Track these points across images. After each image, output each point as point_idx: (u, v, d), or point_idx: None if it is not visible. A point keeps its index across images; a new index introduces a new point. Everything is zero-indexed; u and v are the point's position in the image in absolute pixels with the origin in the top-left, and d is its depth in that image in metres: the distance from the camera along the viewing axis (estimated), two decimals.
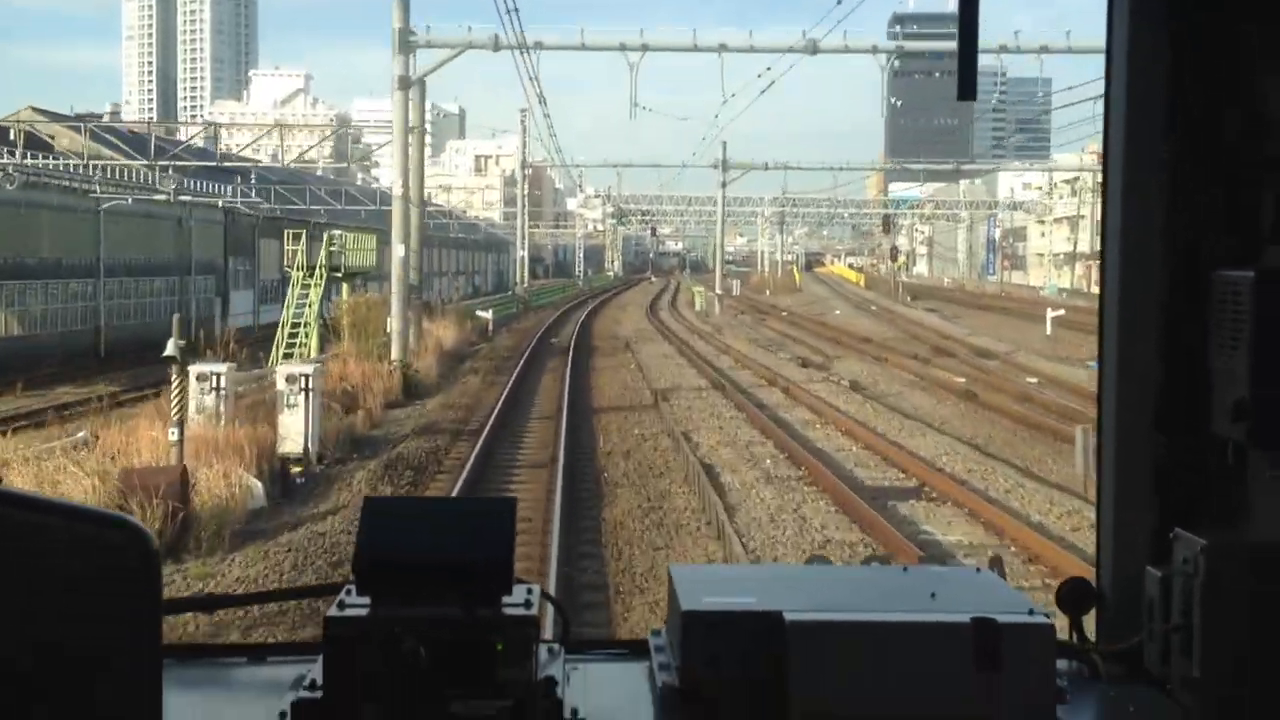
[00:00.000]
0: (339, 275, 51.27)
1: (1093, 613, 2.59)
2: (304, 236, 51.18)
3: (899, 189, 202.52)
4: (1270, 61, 2.31)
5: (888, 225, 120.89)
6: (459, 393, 40.57)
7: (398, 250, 44.26)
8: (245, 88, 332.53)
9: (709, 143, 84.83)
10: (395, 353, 42.88)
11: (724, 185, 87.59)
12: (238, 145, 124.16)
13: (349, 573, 2.39)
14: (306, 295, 48.53)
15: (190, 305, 71.60)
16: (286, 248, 53.50)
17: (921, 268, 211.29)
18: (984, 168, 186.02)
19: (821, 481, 24.39)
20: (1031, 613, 2.31)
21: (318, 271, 49.22)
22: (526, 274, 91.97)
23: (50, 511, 1.92)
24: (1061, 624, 2.46)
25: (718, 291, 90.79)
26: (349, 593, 2.36)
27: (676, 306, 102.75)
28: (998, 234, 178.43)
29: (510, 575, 2.35)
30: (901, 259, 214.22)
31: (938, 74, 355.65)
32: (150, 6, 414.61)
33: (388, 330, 44.15)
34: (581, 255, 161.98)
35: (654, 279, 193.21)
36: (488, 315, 68.22)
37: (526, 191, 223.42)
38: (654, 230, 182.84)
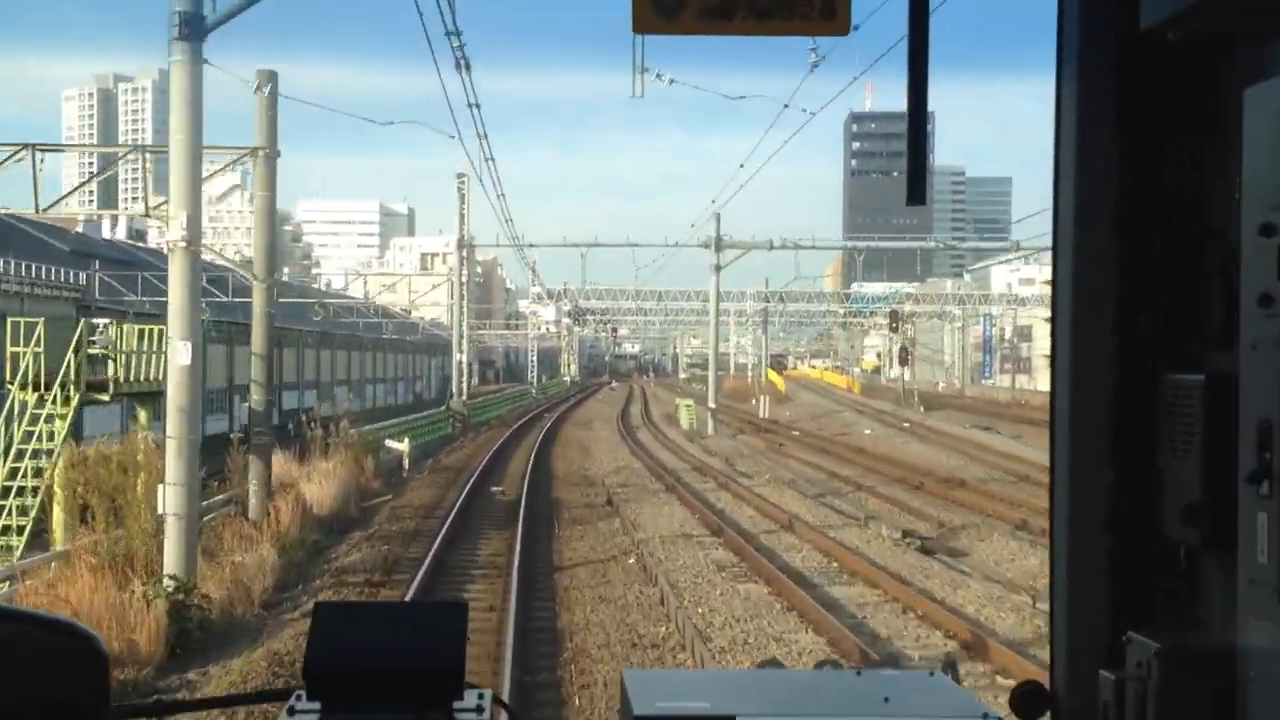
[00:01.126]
0: (111, 395, 29.84)
1: (1046, 716, 2.46)
2: (39, 327, 29.35)
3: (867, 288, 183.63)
4: (1216, 168, 2.25)
5: (895, 322, 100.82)
6: (289, 645, 18.98)
7: (178, 352, 22.56)
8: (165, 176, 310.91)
9: (699, 224, 67.27)
10: (170, 561, 21.12)
11: (718, 268, 66.70)
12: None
13: (299, 678, 2.31)
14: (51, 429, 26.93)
15: None
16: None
17: (897, 370, 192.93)
18: (1004, 246, 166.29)
19: None
20: (985, 717, 2.37)
21: (61, 388, 27.60)
22: (468, 381, 70.32)
23: None
24: None
25: (712, 405, 69.01)
26: (299, 698, 2.31)
27: (653, 421, 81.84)
28: (994, 333, 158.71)
29: (462, 680, 2.32)
30: (875, 361, 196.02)
31: (895, 173, 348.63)
32: (91, 107, 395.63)
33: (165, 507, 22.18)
34: (534, 359, 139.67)
35: (614, 385, 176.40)
36: (402, 446, 46.41)
37: (470, 284, 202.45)
38: (614, 331, 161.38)
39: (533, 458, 49.69)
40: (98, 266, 68.04)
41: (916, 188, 2.68)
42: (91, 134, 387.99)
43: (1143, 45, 2.28)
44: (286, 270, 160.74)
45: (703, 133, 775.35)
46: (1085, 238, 2.35)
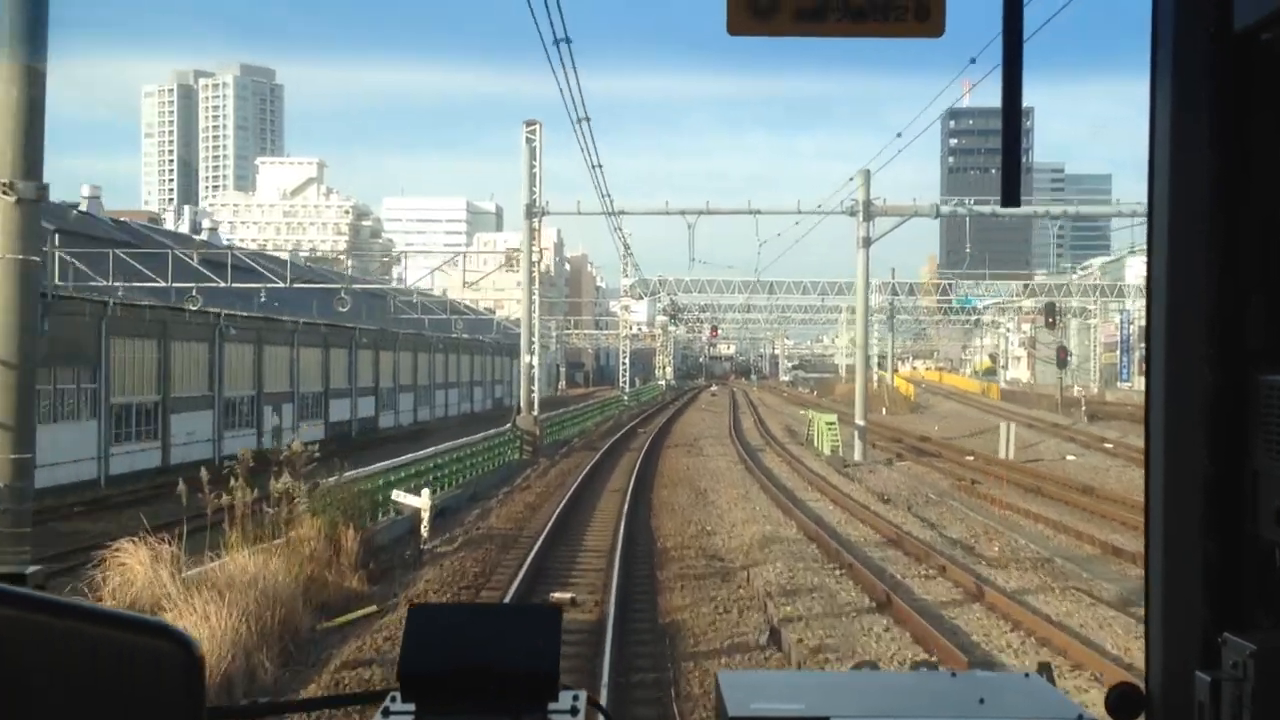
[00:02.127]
0: None
1: (1141, 717, 2.46)
2: None
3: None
4: None
5: (1052, 316, 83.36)
6: None
7: None
8: (253, 176, 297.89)
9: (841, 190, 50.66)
10: None
11: (868, 241, 49.59)
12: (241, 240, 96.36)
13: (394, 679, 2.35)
14: None
15: None
16: None
17: (1017, 372, 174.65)
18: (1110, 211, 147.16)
19: None
20: (1080, 718, 2.40)
21: None
22: (550, 385, 53.17)
23: (93, 619, 1.89)
24: None
25: (860, 421, 51.35)
26: (394, 700, 2.37)
27: (775, 439, 64.42)
28: (1133, 331, 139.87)
29: (556, 682, 2.35)
30: (987, 362, 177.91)
31: (993, 170, 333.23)
32: (171, 103, 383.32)
33: None
34: (627, 361, 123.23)
35: (715, 389, 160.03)
36: (419, 501, 29.30)
37: (552, 272, 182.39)
38: (715, 329, 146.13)
39: (625, 511, 32.59)
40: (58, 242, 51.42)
41: (1011, 190, 2.68)
42: (171, 130, 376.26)
43: (1236, 46, 2.25)
44: (349, 266, 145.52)
45: (789, 133, 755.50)
46: (1180, 238, 2.34)
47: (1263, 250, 2.27)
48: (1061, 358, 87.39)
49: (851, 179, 51.58)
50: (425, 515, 28.34)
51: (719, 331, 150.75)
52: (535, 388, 53.41)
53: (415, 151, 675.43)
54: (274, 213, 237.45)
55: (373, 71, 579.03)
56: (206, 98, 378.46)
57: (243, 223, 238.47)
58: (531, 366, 53.13)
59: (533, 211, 51.62)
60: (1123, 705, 2.40)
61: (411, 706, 2.32)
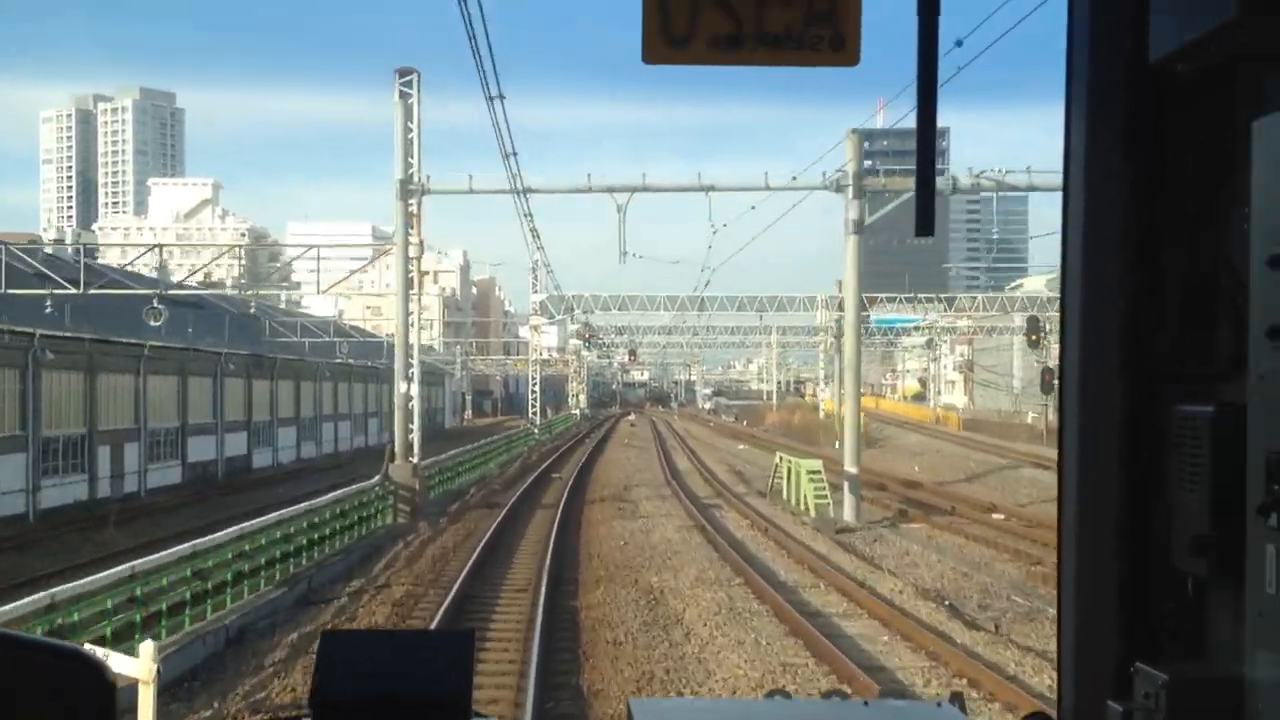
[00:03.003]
0: None
1: None
2: None
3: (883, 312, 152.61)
4: (1225, 199, 2.23)
5: (1037, 333, 70.67)
6: None
7: None
8: (145, 197, 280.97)
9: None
10: None
11: (860, 224, 36.30)
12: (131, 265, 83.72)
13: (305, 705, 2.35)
14: None
15: None
16: None
17: (950, 397, 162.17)
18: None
19: None
20: None
21: None
22: (418, 428, 38.38)
23: (9, 645, 1.88)
24: None
25: (851, 468, 37.55)
26: None
27: (725, 487, 50.68)
28: None
29: (468, 708, 2.32)
30: (915, 387, 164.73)
31: (908, 194, 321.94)
32: (70, 128, 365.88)
33: None
34: (537, 390, 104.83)
35: (633, 419, 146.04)
36: (132, 665, 14.96)
37: (467, 306, 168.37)
38: (633, 352, 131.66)
39: (534, 649, 18.68)
40: None
41: (925, 219, 2.65)
42: (70, 156, 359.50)
43: (1152, 77, 2.26)
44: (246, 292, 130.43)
45: (699, 162, 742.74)
46: (1094, 267, 2.32)
47: (1178, 279, 2.24)
48: (1048, 380, 74.08)
49: (835, 147, 38.47)
50: (147, 695, 14.19)
51: (636, 356, 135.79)
52: (416, 426, 39.14)
53: (323, 179, 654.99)
54: (167, 236, 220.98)
55: (278, 98, 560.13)
56: (106, 122, 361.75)
57: (133, 246, 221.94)
58: (410, 398, 38.95)
59: (409, 189, 37.46)
60: None
61: None
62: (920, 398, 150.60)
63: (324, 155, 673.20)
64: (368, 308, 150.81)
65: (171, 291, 58.51)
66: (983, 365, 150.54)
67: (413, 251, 38.33)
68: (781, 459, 45.50)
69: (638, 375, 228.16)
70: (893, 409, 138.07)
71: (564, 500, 41.09)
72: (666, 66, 2.70)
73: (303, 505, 29.90)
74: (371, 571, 27.79)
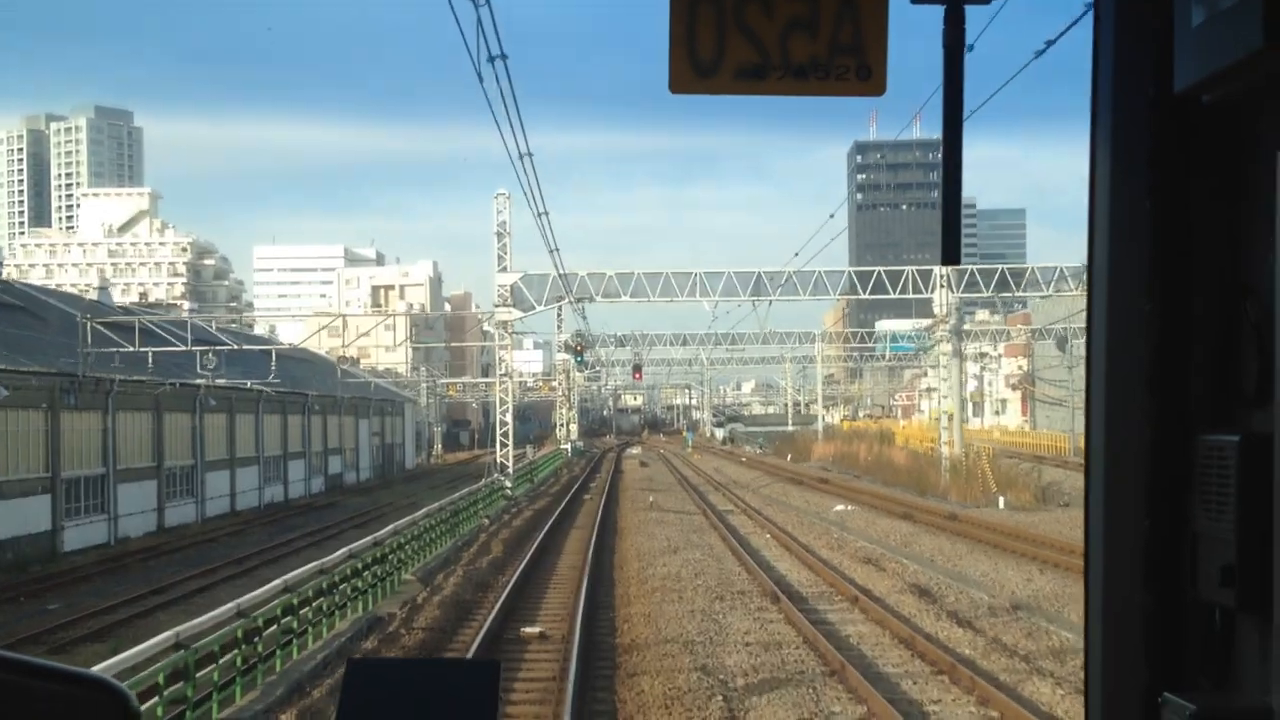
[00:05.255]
0: None
1: None
2: None
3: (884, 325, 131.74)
4: (1250, 229, 2.23)
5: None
6: None
7: None
8: (75, 209, 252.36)
9: None
10: None
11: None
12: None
13: None
14: None
15: None
16: None
17: (1004, 418, 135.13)
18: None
19: None
20: None
21: None
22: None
23: (35, 674, 1.87)
24: None
25: None
26: None
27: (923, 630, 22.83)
28: None
29: None
30: (943, 407, 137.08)
31: (904, 206, 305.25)
32: (21, 150, 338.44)
33: None
34: (509, 417, 65.07)
35: (638, 452, 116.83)
36: None
37: (439, 326, 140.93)
38: (638, 369, 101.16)
39: None
40: None
41: (951, 246, 2.70)
42: (22, 176, 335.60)
43: (1176, 108, 2.26)
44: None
45: (679, 185, 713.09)
46: (1120, 297, 2.33)
47: (1203, 308, 2.23)
48: None
49: None
50: None
51: (641, 373, 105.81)
52: None
53: (296, 209, 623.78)
54: (99, 251, 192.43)
55: (250, 125, 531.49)
56: (59, 142, 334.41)
57: (59, 265, 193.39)
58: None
59: None
60: None
61: None
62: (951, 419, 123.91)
63: (294, 185, 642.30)
64: (322, 329, 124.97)
65: None
66: (1045, 379, 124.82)
67: None
68: None
69: (630, 400, 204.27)
70: (990, 436, 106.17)
71: None
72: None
73: None
74: None
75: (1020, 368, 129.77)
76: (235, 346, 63.02)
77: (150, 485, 53.37)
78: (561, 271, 54.75)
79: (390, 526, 34.68)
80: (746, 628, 24.98)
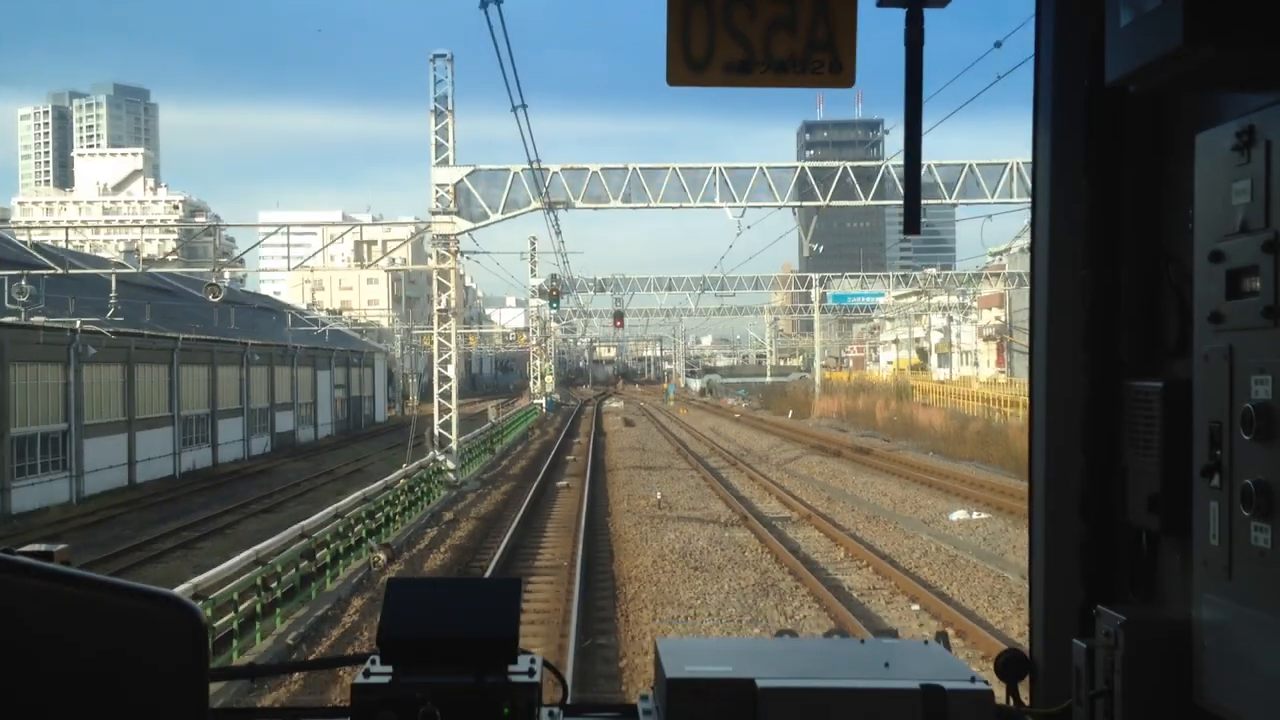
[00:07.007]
0: None
1: (1027, 680, 2.66)
2: None
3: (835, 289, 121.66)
4: (1172, 202, 2.44)
5: None
6: None
7: None
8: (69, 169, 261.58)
9: None
10: None
11: None
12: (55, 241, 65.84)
13: (374, 645, 2.50)
14: None
15: None
16: None
17: (976, 369, 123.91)
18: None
19: None
20: (973, 680, 2.43)
21: None
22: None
23: (111, 591, 1.99)
24: (1000, 690, 2.52)
25: None
26: (373, 663, 2.49)
27: None
28: None
29: (515, 647, 2.46)
30: (908, 359, 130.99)
31: (849, 182, 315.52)
32: (46, 124, 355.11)
33: None
34: (450, 369, 46.08)
35: (619, 404, 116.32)
36: None
37: (421, 280, 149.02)
38: (620, 318, 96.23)
39: None
40: None
41: (913, 219, 2.88)
42: (48, 147, 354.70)
43: (1108, 98, 2.48)
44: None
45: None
46: (1059, 263, 2.56)
47: (1132, 272, 2.46)
48: None
49: None
50: None
51: (623, 321, 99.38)
52: None
53: (304, 184, 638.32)
54: (93, 210, 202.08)
55: (260, 111, 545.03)
56: (80, 117, 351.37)
57: (55, 222, 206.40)
58: None
59: None
60: (1010, 668, 2.61)
61: (389, 668, 2.43)
62: (918, 368, 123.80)
63: (301, 162, 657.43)
64: (305, 281, 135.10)
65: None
66: (1021, 328, 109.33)
67: None
68: None
69: (604, 352, 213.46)
70: (921, 383, 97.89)
71: None
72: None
73: None
74: None
75: (998, 319, 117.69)
76: (58, 270, 43.52)
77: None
78: (534, 158, 37.11)
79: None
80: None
